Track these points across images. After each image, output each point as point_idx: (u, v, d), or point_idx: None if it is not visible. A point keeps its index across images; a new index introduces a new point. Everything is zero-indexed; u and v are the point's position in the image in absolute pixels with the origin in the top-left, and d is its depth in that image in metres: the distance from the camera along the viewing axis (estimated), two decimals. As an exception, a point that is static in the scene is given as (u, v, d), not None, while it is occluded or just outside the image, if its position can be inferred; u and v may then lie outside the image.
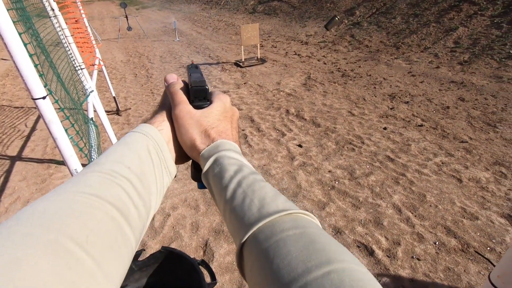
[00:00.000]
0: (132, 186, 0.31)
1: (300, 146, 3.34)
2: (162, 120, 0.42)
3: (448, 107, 3.95)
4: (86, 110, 2.17)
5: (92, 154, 1.47)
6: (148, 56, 8.18)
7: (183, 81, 0.47)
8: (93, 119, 1.99)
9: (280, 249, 0.25)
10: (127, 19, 11.05)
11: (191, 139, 0.40)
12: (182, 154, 0.43)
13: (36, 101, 0.80)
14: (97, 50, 3.81)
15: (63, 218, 0.23)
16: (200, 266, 1.22)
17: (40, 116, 4.59)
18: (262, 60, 6.82)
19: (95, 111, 2.35)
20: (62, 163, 3.27)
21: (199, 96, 0.43)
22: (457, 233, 2.11)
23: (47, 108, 0.83)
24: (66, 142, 0.90)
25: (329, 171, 2.87)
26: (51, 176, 3.05)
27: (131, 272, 1.26)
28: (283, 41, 8.69)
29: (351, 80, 5.26)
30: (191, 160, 0.44)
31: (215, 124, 0.41)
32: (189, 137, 0.40)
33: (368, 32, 7.59)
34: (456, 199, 2.41)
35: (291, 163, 3.03)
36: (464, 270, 1.86)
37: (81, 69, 2.41)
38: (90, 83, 2.46)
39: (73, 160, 0.96)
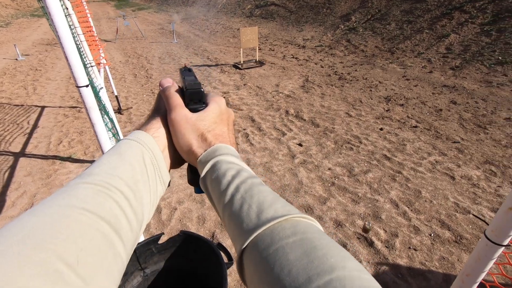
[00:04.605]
0: (125, 198, 0.31)
1: (300, 145, 3.45)
2: (158, 127, 0.40)
3: (441, 110, 4.12)
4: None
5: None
6: (147, 57, 8.23)
7: (178, 86, 0.46)
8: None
9: (280, 258, 0.24)
10: (124, 18, 11.11)
11: (188, 144, 0.39)
12: (178, 159, 0.42)
13: (80, 88, 0.89)
14: (100, 50, 3.87)
15: (54, 235, 0.23)
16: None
17: (40, 114, 4.61)
18: (261, 63, 6.95)
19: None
20: (67, 159, 3.32)
21: (195, 98, 0.42)
22: (450, 225, 2.23)
23: (89, 95, 0.91)
24: (103, 128, 0.99)
25: (329, 169, 2.99)
26: (56, 172, 3.09)
27: (150, 255, 1.34)
28: (281, 45, 8.85)
29: (347, 83, 5.41)
30: (187, 164, 0.43)
31: (212, 128, 0.41)
32: (185, 142, 0.39)
33: (364, 37, 7.80)
34: (449, 195, 2.55)
35: (292, 161, 3.14)
36: (458, 259, 1.98)
37: (91, 66, 2.48)
38: (99, 80, 2.53)
39: (108, 145, 1.04)
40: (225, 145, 0.39)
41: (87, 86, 0.92)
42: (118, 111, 4.54)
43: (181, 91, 0.44)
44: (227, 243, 2.16)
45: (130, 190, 0.32)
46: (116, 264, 0.27)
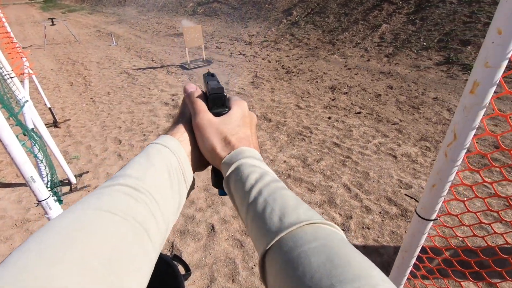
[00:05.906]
0: (153, 200, 0.32)
1: (254, 141, 3.46)
2: (183, 132, 0.42)
3: (380, 95, 4.44)
4: (23, 123, 1.98)
5: (40, 166, 1.37)
6: (83, 63, 7.59)
7: (202, 90, 0.48)
8: (34, 130, 1.83)
9: (303, 262, 0.24)
10: (52, 21, 10.10)
11: (212, 147, 0.40)
12: (201, 162, 0.44)
13: (-17, 107, 0.75)
14: (23, 58, 3.44)
15: (88, 235, 0.24)
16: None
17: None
18: (208, 61, 6.82)
19: (33, 123, 2.16)
20: (-5, 185, 2.91)
21: (218, 103, 0.44)
22: (396, 201, 2.42)
23: (-5, 114, 0.78)
24: (19, 148, 0.86)
25: (284, 161, 3.04)
26: (-18, 201, 2.69)
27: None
28: (227, 42, 8.78)
29: (295, 76, 5.57)
30: (211, 167, 0.45)
31: (235, 131, 0.42)
32: (210, 145, 0.40)
33: (306, 30, 8.08)
34: (393, 173, 2.76)
35: (248, 158, 3.14)
36: (405, 231, 2.16)
37: (11, 77, 2.19)
38: (23, 93, 2.25)
39: (28, 166, 0.91)
40: (248, 148, 0.40)
41: (-9, 103, 0.79)
42: (54, 124, 4.11)
43: (204, 96, 0.45)
44: (188, 251, 2.08)
45: (158, 192, 0.33)
46: (145, 263, 0.27)
